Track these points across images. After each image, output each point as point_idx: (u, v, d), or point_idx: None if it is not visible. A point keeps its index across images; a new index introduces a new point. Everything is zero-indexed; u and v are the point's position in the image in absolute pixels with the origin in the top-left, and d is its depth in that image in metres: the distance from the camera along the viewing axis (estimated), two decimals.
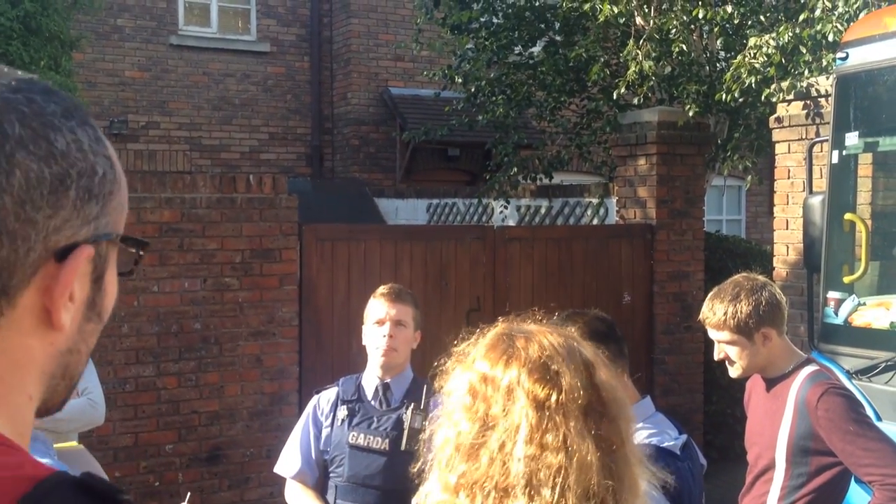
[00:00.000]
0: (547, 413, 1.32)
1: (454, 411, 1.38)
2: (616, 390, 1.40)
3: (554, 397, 1.33)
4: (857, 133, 4.87)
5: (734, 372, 3.20)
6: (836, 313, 4.79)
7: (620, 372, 2.40)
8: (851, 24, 5.68)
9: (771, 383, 3.21)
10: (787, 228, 6.46)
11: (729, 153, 8.56)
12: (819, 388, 3.05)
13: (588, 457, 1.31)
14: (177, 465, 5.89)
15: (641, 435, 2.28)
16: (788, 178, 6.44)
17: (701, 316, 3.18)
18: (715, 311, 3.10)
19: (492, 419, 1.34)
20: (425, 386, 3.28)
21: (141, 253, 1.01)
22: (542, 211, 9.26)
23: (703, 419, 7.95)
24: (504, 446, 1.31)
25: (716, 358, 3.21)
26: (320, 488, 3.32)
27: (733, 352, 3.13)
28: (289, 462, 3.36)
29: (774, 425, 3.16)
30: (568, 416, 1.33)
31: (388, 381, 3.32)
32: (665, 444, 2.26)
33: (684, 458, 2.28)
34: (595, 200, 8.51)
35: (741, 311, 3.06)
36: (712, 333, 3.16)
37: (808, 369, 3.16)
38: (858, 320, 4.69)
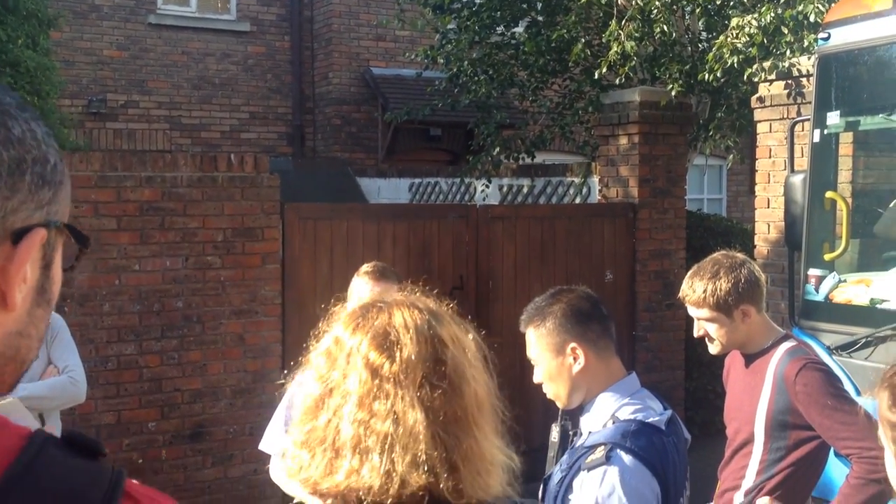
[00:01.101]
0: (379, 381, 1.36)
1: (309, 375, 1.43)
2: (464, 367, 1.42)
3: (387, 366, 1.37)
4: (838, 112, 4.90)
5: (714, 349, 3.22)
6: (817, 290, 4.84)
7: (605, 349, 2.40)
8: (833, 4, 5.70)
9: (750, 359, 3.24)
10: (768, 207, 6.50)
11: (711, 133, 8.59)
12: (797, 362, 3.08)
13: (416, 426, 1.33)
14: (160, 443, 5.88)
15: (627, 411, 2.30)
16: (770, 157, 6.48)
17: (681, 293, 3.20)
18: (695, 289, 3.12)
19: (333, 381, 1.38)
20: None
21: (82, 248, 1.04)
22: (525, 190, 9.28)
23: (683, 395, 8.01)
24: (339, 409, 1.36)
25: (695, 335, 3.24)
26: None
27: (713, 329, 3.15)
28: (273, 439, 3.37)
29: (753, 400, 3.19)
30: (400, 386, 1.35)
31: None
32: (650, 420, 2.27)
33: (669, 434, 2.29)
34: (577, 180, 8.53)
35: (720, 289, 3.08)
36: (692, 311, 3.19)
37: (787, 345, 3.19)
38: (839, 297, 4.73)
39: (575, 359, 2.37)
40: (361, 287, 3.30)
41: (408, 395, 1.35)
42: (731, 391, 3.39)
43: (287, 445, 1.40)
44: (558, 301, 2.41)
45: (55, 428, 4.17)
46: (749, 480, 3.21)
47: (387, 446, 1.32)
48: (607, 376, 2.39)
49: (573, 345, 2.36)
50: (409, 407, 1.34)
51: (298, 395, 1.35)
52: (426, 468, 1.32)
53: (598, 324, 2.39)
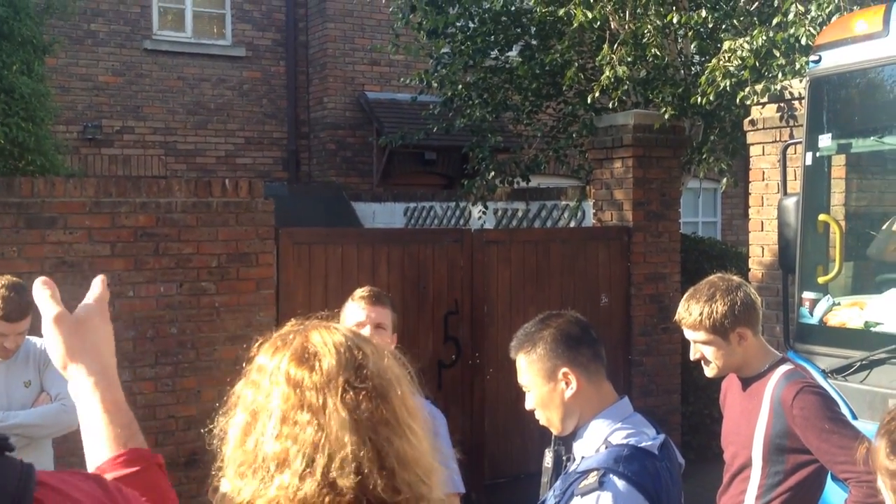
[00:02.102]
0: (300, 392, 1.36)
1: (238, 407, 1.42)
2: (386, 371, 1.42)
3: (307, 378, 1.37)
4: (830, 135, 4.91)
5: (710, 372, 3.22)
6: (811, 313, 4.83)
7: (596, 373, 2.40)
8: (824, 27, 5.74)
9: (746, 382, 3.23)
10: (761, 230, 6.51)
11: (704, 156, 8.61)
12: (794, 386, 3.08)
13: (341, 430, 1.33)
14: None
15: (619, 435, 2.28)
16: (763, 179, 6.50)
17: (677, 316, 3.20)
18: (691, 312, 3.12)
19: (257, 404, 1.38)
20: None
21: None
22: (520, 214, 9.29)
23: (680, 420, 7.99)
24: (265, 428, 1.35)
25: (692, 358, 3.23)
26: None
27: (709, 352, 3.15)
28: None
29: (750, 424, 3.18)
30: (322, 394, 1.36)
31: None
32: (643, 444, 2.26)
33: (662, 458, 2.28)
34: (572, 203, 8.54)
35: (717, 311, 3.08)
36: (688, 333, 3.18)
37: (784, 368, 3.18)
38: (833, 320, 4.73)
39: (567, 384, 2.36)
40: (356, 312, 3.29)
41: (330, 401, 1.35)
42: (728, 415, 3.37)
43: (222, 484, 1.39)
44: (548, 326, 2.41)
45: (50, 456, 4.14)
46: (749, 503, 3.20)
47: (315, 453, 1.32)
48: (599, 401, 2.38)
49: (564, 370, 2.35)
50: (332, 412, 1.34)
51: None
52: (355, 469, 1.31)
53: (588, 348, 2.38)
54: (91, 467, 1.41)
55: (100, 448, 1.46)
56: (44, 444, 4.06)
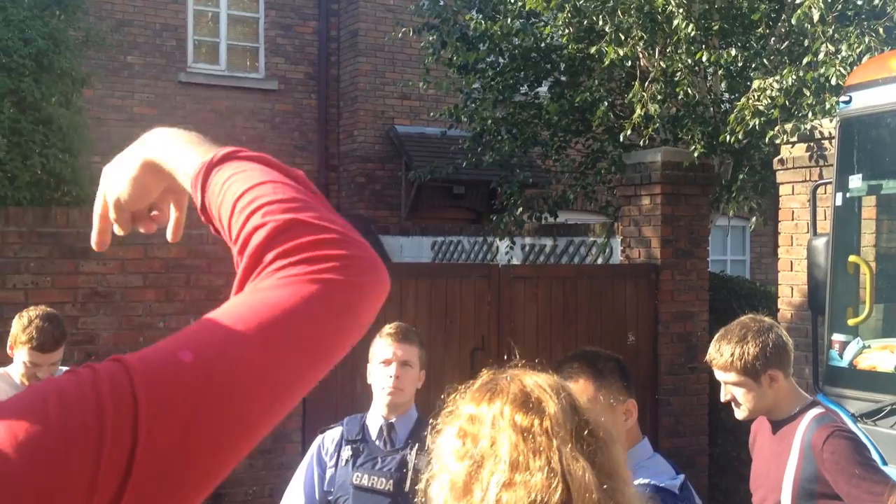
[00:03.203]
0: (531, 437, 1.33)
1: (447, 460, 1.38)
2: (604, 420, 1.43)
3: (537, 423, 1.35)
4: (860, 176, 4.90)
5: (740, 414, 3.20)
6: (841, 356, 4.79)
7: (628, 409, 2.40)
8: (854, 67, 5.73)
9: (777, 425, 3.21)
10: (791, 270, 6.47)
11: (734, 194, 8.59)
12: (825, 430, 3.05)
13: (585, 475, 1.31)
14: None
15: (642, 475, 2.29)
16: (792, 219, 6.47)
17: (708, 357, 3.19)
18: (722, 353, 3.11)
19: (479, 453, 1.35)
20: (429, 426, 3.28)
21: None
22: (547, 250, 9.29)
23: (708, 462, 7.91)
24: (499, 479, 1.31)
25: (722, 399, 3.21)
26: None
27: (740, 393, 3.13)
28: (292, 502, 3.36)
29: (780, 468, 3.16)
30: (554, 439, 1.34)
31: (393, 420, 3.32)
32: (664, 484, 2.26)
33: (683, 498, 2.28)
34: (599, 240, 8.54)
35: (748, 353, 3.07)
36: (719, 375, 3.17)
37: (814, 412, 3.16)
38: (863, 363, 4.69)
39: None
40: (383, 349, 3.31)
41: (565, 448, 1.33)
42: (757, 458, 3.35)
43: None
44: (580, 361, 2.42)
45: None
46: None
47: (555, 499, 1.29)
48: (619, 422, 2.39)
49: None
50: (571, 459, 1.32)
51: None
52: None
53: (619, 382, 2.39)
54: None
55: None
56: None
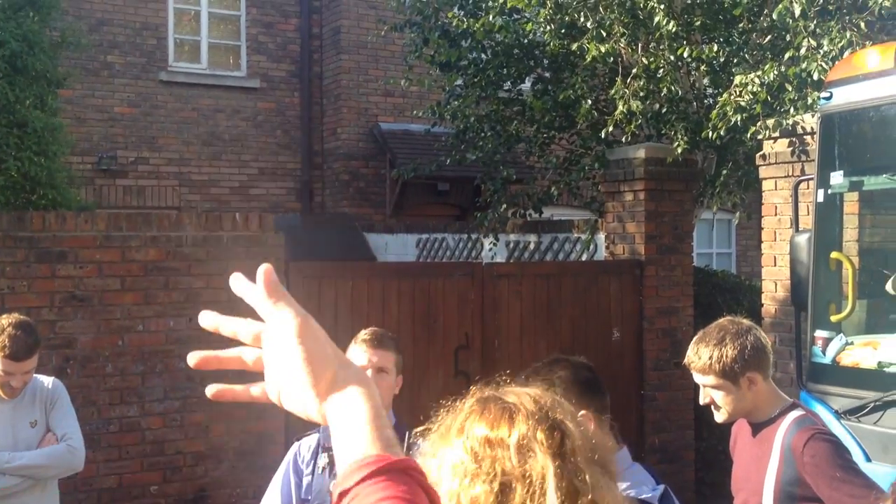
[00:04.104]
0: (566, 459, 1.33)
1: (453, 481, 1.35)
2: (600, 437, 1.48)
3: (568, 444, 1.34)
4: (842, 172, 4.88)
5: (720, 417, 3.17)
6: (824, 352, 4.78)
7: (606, 421, 2.36)
8: (836, 62, 5.71)
9: (756, 428, 3.19)
10: (774, 265, 6.46)
11: (717, 189, 8.58)
12: (805, 433, 3.03)
13: (616, 494, 1.34)
14: None
15: (620, 486, 2.24)
16: (775, 214, 6.45)
17: (686, 360, 3.16)
18: (700, 356, 3.08)
19: (508, 475, 1.32)
20: (406, 432, 3.24)
21: None
22: (531, 246, 9.26)
23: (694, 456, 7.90)
24: (533, 500, 1.30)
25: (701, 402, 3.19)
26: None
27: (719, 396, 3.11)
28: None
29: (761, 471, 3.14)
30: (583, 460, 1.34)
31: None
32: (643, 496, 2.23)
33: None
34: (584, 236, 8.51)
35: (726, 356, 3.04)
36: (697, 378, 3.14)
37: (794, 414, 3.14)
38: (846, 360, 4.67)
39: None
40: (358, 355, 3.26)
41: (593, 468, 1.34)
42: (738, 461, 3.33)
43: None
44: (560, 368, 2.37)
45: (56, 497, 4.12)
46: None
47: None
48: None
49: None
50: (603, 478, 1.34)
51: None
52: None
53: (599, 396, 2.34)
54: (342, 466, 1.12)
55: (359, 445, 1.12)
56: (50, 485, 4.04)
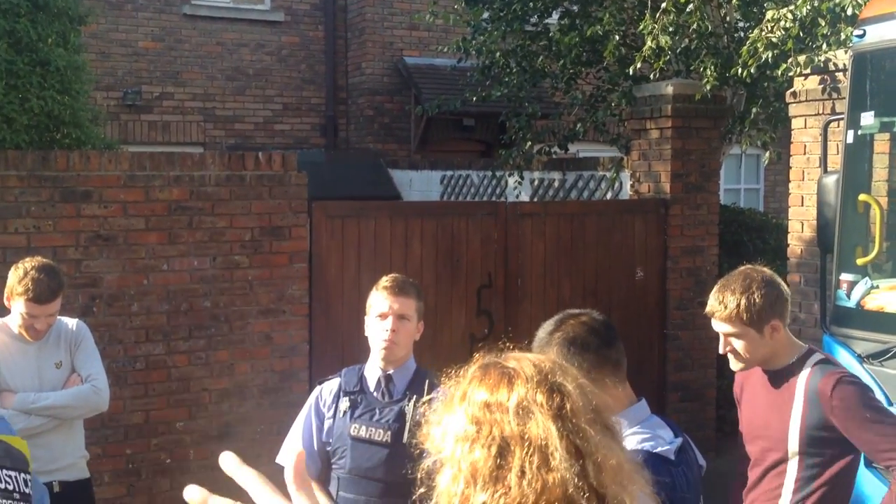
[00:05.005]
0: (566, 420, 1.32)
1: (455, 448, 1.35)
2: (601, 397, 1.42)
3: (568, 405, 1.34)
4: (872, 112, 4.77)
5: (737, 365, 3.17)
6: (849, 296, 4.73)
7: (600, 378, 2.28)
8: None
9: (774, 375, 3.18)
10: (801, 205, 6.37)
11: (746, 127, 8.43)
12: (831, 377, 3.04)
13: (619, 454, 1.33)
14: (187, 443, 5.92)
15: (635, 440, 2.23)
16: (804, 153, 6.34)
17: (709, 309, 3.14)
18: (726, 304, 3.05)
19: (508, 440, 1.31)
20: (427, 378, 3.26)
21: None
22: (556, 184, 9.19)
23: (715, 394, 7.91)
24: (532, 462, 1.29)
25: (721, 351, 3.18)
26: (323, 480, 3.31)
27: (740, 344, 3.10)
28: (291, 453, 3.35)
29: (783, 418, 3.13)
30: (586, 421, 1.33)
31: (391, 372, 3.30)
32: (658, 450, 2.21)
33: (678, 463, 2.23)
34: (609, 174, 8.42)
35: (754, 303, 3.02)
36: (719, 326, 3.13)
37: (815, 359, 3.14)
38: (871, 303, 4.63)
39: None
40: (380, 302, 3.26)
41: (595, 428, 1.34)
42: (750, 409, 3.32)
43: None
44: (558, 330, 2.35)
45: (81, 436, 4.19)
46: (786, 500, 3.16)
47: (607, 478, 1.30)
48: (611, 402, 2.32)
49: None
50: (605, 439, 1.33)
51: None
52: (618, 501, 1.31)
53: (593, 353, 2.29)
54: None
55: None
56: (75, 425, 4.11)
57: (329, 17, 13.03)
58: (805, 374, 3.10)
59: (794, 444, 3.11)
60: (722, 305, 3.06)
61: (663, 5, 7.41)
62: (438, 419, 1.39)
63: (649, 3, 7.61)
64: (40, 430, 3.88)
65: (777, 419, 3.16)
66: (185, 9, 12.37)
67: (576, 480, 1.28)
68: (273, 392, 6.14)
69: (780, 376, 3.17)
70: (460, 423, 1.35)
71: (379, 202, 8.63)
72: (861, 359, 4.42)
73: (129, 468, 5.75)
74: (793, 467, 3.13)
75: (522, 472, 1.28)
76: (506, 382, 1.36)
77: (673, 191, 7.60)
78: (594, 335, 2.31)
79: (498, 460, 1.30)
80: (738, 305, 3.03)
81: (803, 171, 6.35)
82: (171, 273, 5.87)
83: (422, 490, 1.41)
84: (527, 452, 1.29)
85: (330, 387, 3.37)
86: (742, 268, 3.16)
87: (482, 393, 1.36)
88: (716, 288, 3.14)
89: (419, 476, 1.41)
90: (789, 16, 6.48)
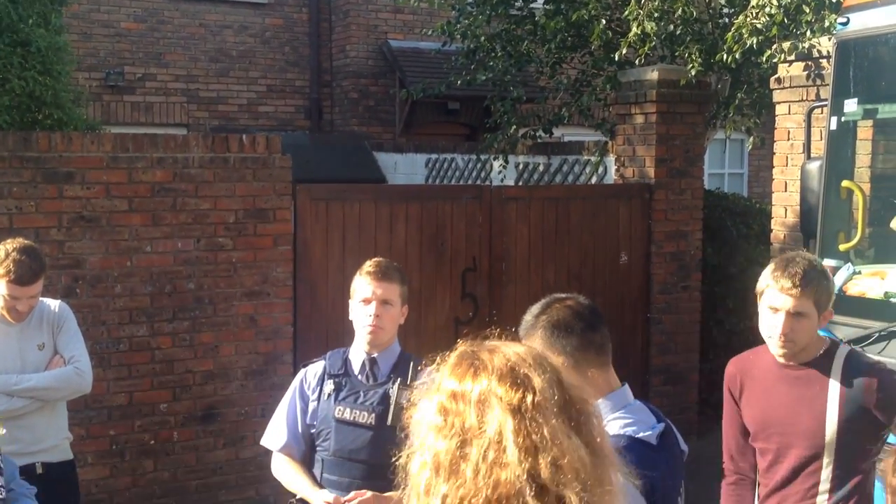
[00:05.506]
0: (524, 415, 1.31)
1: (426, 436, 1.36)
2: (583, 391, 1.41)
3: (529, 399, 1.32)
4: (856, 99, 4.79)
5: (787, 350, 3.04)
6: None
7: (585, 361, 2.28)
8: None
9: (797, 368, 3.10)
10: (785, 191, 6.41)
11: (731, 113, 8.46)
12: (869, 368, 3.03)
13: (580, 451, 1.31)
14: (171, 424, 5.91)
15: (617, 425, 2.23)
16: (788, 139, 6.37)
17: (785, 284, 2.97)
18: (808, 282, 2.95)
19: (468, 432, 1.32)
20: (412, 362, 3.27)
21: None
22: (541, 168, 9.20)
23: (698, 378, 7.97)
24: (487, 456, 1.29)
25: (783, 331, 3.00)
26: (307, 462, 3.32)
27: (800, 326, 3.00)
28: (275, 435, 3.36)
29: (815, 412, 3.05)
30: (547, 416, 1.32)
31: (375, 355, 3.31)
32: (640, 435, 2.21)
33: (660, 449, 2.23)
34: (593, 158, 8.43)
35: (829, 289, 3.01)
36: (790, 303, 2.96)
37: (845, 350, 3.10)
38: (853, 289, 4.65)
39: None
40: (363, 287, 3.26)
41: (558, 424, 1.32)
42: (766, 403, 3.19)
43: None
44: (543, 313, 2.35)
45: (64, 418, 4.19)
46: (824, 497, 3.07)
47: (545, 476, 1.28)
48: (594, 389, 2.32)
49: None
50: (563, 435, 1.31)
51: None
52: (588, 495, 1.29)
53: (577, 336, 2.28)
54: None
55: None
56: (58, 407, 4.10)
57: None
58: (838, 366, 3.04)
59: (830, 439, 3.03)
60: (800, 284, 2.94)
61: None
62: (416, 404, 1.40)
63: None
64: (23, 411, 3.87)
65: (806, 414, 3.06)
66: None
67: (526, 478, 1.27)
68: (257, 374, 6.14)
69: (806, 368, 3.09)
70: (431, 411, 1.36)
71: (363, 185, 8.61)
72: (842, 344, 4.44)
73: (112, 449, 5.74)
74: (829, 462, 3.04)
75: (477, 466, 1.29)
76: (472, 374, 1.36)
77: (657, 175, 7.62)
78: (578, 319, 2.31)
79: (458, 452, 1.31)
80: (819, 287, 2.96)
81: (787, 157, 6.39)
82: (154, 255, 5.85)
83: (402, 474, 1.42)
84: (482, 446, 1.29)
85: (314, 369, 3.38)
86: (801, 252, 3.14)
87: (452, 382, 1.37)
88: (785, 266, 3.01)
89: (402, 461, 1.41)
90: (774, 2, 6.51)
